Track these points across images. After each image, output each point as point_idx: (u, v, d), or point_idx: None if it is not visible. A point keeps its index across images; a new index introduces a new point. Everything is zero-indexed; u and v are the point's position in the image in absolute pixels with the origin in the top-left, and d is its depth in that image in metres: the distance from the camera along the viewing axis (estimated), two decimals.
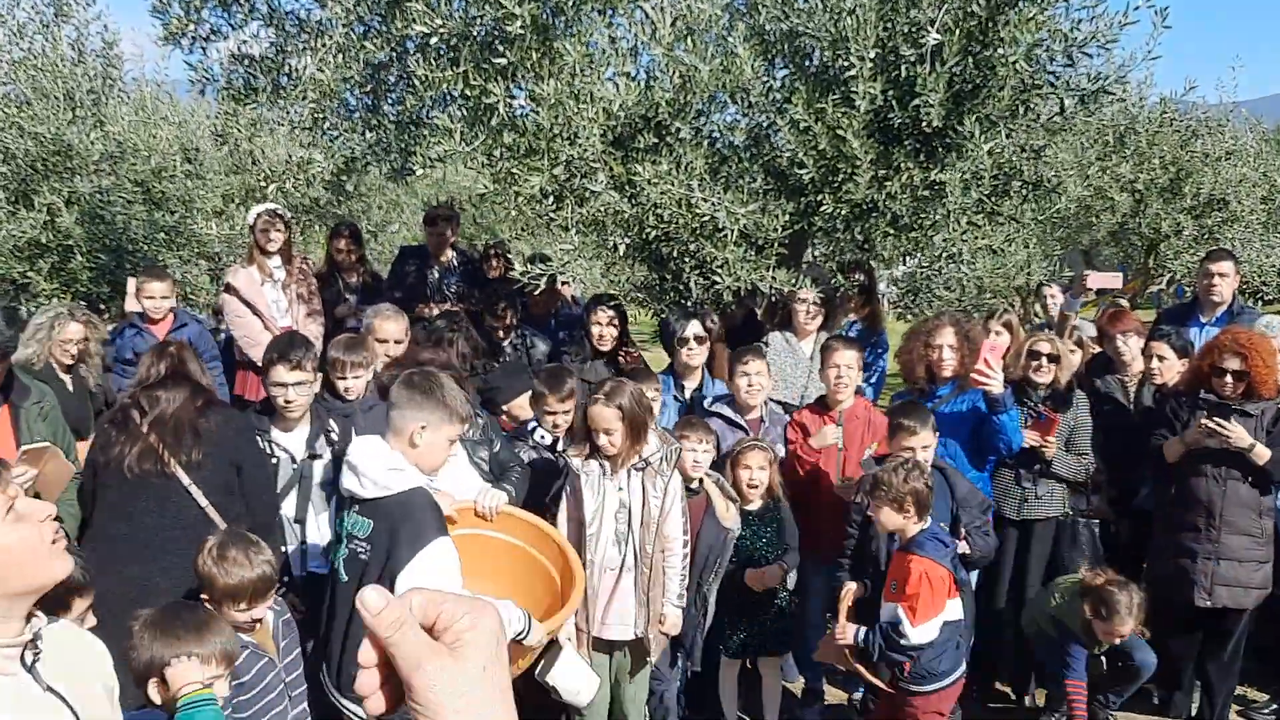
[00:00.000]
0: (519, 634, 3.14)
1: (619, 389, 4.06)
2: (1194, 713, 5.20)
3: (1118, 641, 4.64)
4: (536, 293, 5.33)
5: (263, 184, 10.33)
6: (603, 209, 5.01)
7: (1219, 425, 4.68)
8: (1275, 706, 5.33)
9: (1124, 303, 7.97)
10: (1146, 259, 11.33)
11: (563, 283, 5.98)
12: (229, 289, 6.44)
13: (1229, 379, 4.82)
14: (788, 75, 5.63)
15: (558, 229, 5.00)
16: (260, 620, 3.29)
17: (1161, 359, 5.37)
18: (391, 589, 2.72)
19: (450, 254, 7.21)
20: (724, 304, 5.68)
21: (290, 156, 10.40)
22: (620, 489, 4.13)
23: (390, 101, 5.89)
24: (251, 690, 3.15)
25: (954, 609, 4.04)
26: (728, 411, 5.17)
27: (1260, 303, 10.78)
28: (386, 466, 3.30)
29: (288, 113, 6.95)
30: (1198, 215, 10.60)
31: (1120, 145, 10.40)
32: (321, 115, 5.88)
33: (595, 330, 5.75)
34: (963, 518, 4.40)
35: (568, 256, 4.85)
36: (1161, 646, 4.88)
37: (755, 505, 4.73)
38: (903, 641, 3.95)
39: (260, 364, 4.65)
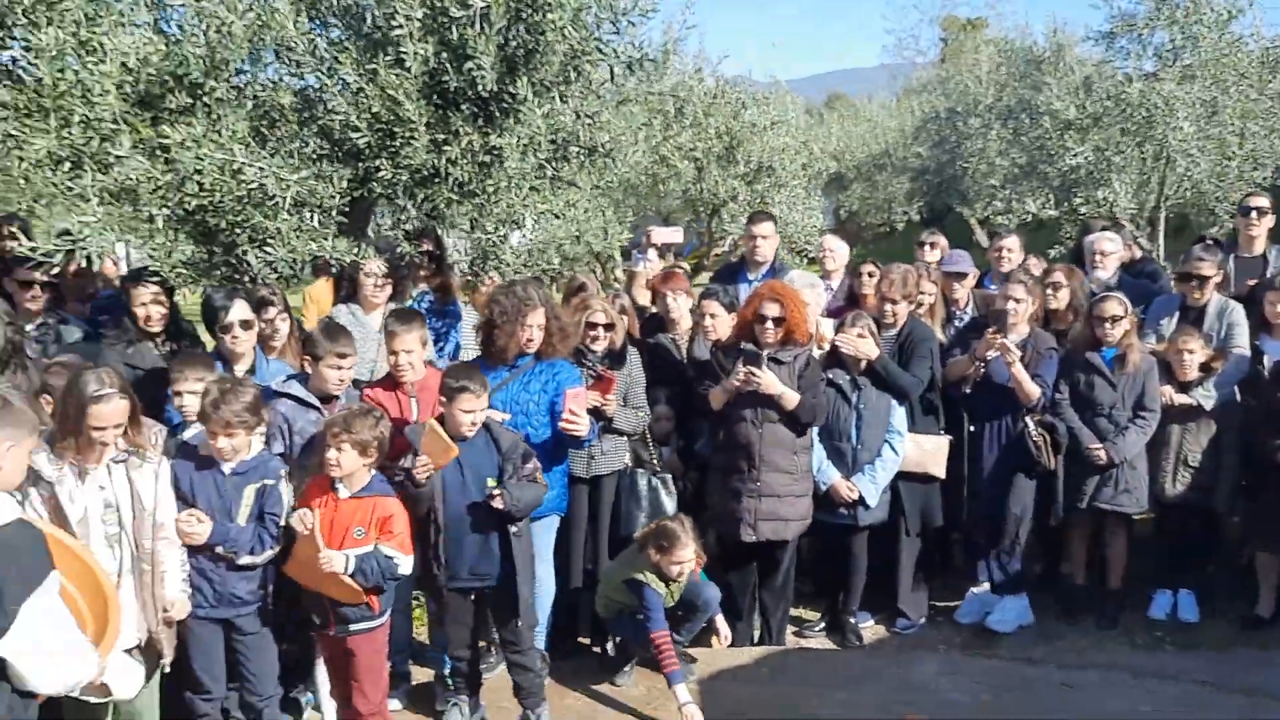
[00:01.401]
0: None
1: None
2: (756, 638, 5.66)
3: (686, 570, 4.91)
4: (54, 272, 4.70)
5: None
6: (132, 176, 4.50)
7: (751, 373, 5.09)
8: (824, 624, 5.92)
9: (685, 265, 8.51)
10: (710, 223, 12.21)
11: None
12: None
13: (769, 325, 5.25)
14: (340, 35, 5.38)
15: (76, 199, 4.42)
16: None
17: (713, 316, 5.71)
18: None
19: None
20: (284, 277, 5.33)
21: None
22: (102, 487, 3.85)
23: None
24: None
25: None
26: (299, 391, 4.85)
27: (806, 260, 11.91)
28: None
29: None
30: (750, 181, 11.54)
31: (680, 115, 11.06)
32: None
33: (140, 311, 5.18)
34: (505, 469, 4.46)
35: (89, 230, 4.30)
36: (724, 582, 5.25)
37: None
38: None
39: None
